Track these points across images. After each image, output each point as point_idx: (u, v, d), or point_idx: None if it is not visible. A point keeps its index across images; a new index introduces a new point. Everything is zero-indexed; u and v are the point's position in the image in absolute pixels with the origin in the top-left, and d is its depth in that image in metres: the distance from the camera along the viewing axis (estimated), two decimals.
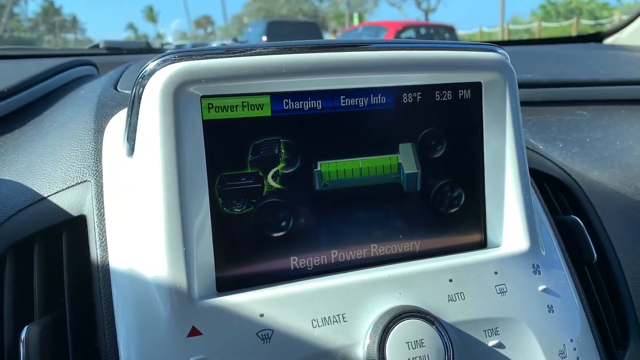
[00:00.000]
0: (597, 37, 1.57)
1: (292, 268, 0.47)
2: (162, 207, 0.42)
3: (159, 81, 0.41)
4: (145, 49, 1.37)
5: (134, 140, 0.45)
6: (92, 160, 0.50)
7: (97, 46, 1.37)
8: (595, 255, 0.59)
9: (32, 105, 0.77)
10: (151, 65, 0.43)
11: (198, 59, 0.42)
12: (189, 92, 0.42)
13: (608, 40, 1.56)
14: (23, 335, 0.43)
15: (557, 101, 0.96)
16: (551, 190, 0.66)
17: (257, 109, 0.45)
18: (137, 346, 0.41)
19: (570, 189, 0.67)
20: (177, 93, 0.42)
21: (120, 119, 0.52)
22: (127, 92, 0.64)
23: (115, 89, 0.66)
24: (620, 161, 0.75)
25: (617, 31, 1.55)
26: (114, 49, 1.33)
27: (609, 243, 0.63)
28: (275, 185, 0.46)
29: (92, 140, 0.52)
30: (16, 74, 0.81)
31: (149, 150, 0.43)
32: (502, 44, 0.53)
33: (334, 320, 0.44)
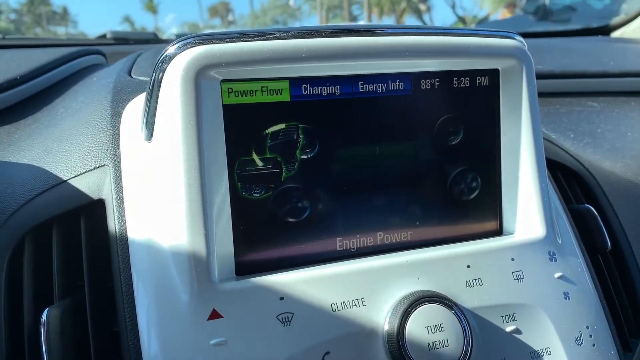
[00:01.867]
0: (605, 30, 1.57)
1: (310, 253, 0.47)
2: (182, 191, 0.42)
3: (179, 65, 0.41)
4: (152, 39, 1.37)
5: (153, 125, 0.45)
6: (110, 145, 0.50)
7: (104, 36, 1.37)
8: (609, 244, 0.59)
9: (43, 92, 0.78)
10: (171, 49, 0.43)
11: (218, 43, 0.42)
12: (210, 76, 0.42)
13: (615, 34, 1.56)
14: (43, 318, 0.43)
15: (566, 92, 0.96)
16: (564, 180, 0.66)
17: (276, 94, 0.45)
18: (158, 329, 0.41)
19: (584, 178, 0.67)
20: (198, 77, 0.42)
21: (137, 104, 0.52)
22: (141, 78, 0.64)
23: (130, 75, 0.66)
24: (632, 152, 0.75)
25: (625, 24, 1.55)
26: (121, 39, 1.33)
27: (623, 232, 0.64)
28: (293, 170, 0.46)
29: (110, 125, 0.52)
30: (27, 63, 0.81)
31: (169, 135, 0.43)
32: None
33: (354, 304, 0.44)
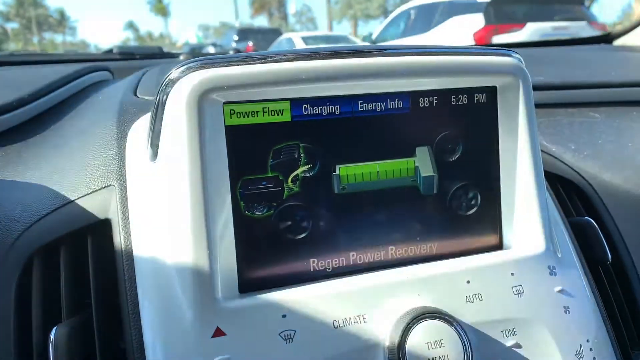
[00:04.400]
0: (607, 39, 1.57)
1: (311, 270, 0.48)
2: (186, 211, 0.43)
3: (183, 89, 0.43)
4: (158, 54, 1.39)
5: (158, 146, 0.46)
6: (116, 165, 0.52)
7: (110, 51, 1.39)
8: (610, 256, 0.60)
9: (51, 110, 0.79)
10: (175, 73, 0.44)
11: (221, 67, 0.43)
12: (212, 99, 0.43)
13: (618, 42, 1.56)
14: (52, 336, 0.44)
15: (568, 103, 0.96)
16: (565, 192, 0.67)
17: (278, 115, 0.46)
18: (163, 346, 0.42)
19: (584, 190, 0.67)
20: (201, 100, 0.43)
21: (142, 124, 0.54)
22: (147, 98, 0.65)
23: (135, 94, 0.67)
24: (633, 163, 0.75)
25: (627, 32, 1.56)
26: (128, 54, 1.35)
27: (623, 244, 0.64)
28: (295, 188, 0.47)
29: (116, 145, 0.54)
30: (35, 80, 0.82)
31: (173, 156, 0.44)
32: (513, 46, 0.54)
33: (355, 321, 0.45)
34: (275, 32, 14.84)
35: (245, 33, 14.25)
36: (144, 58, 1.33)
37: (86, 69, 0.93)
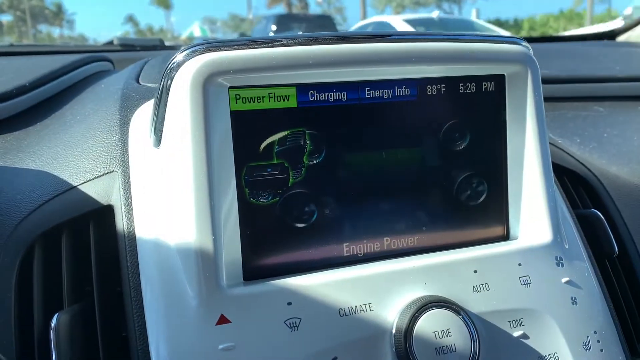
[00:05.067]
0: (611, 35, 1.57)
1: (317, 258, 0.47)
2: (190, 197, 0.42)
3: (188, 72, 0.42)
4: (159, 46, 1.39)
5: (162, 131, 0.45)
6: (119, 151, 0.51)
7: (111, 43, 1.38)
8: (617, 249, 0.59)
9: (52, 99, 0.78)
10: (180, 56, 0.43)
11: (226, 50, 0.43)
12: (218, 83, 0.43)
13: (621, 38, 1.56)
14: (53, 323, 0.43)
15: (573, 97, 0.96)
16: (571, 184, 0.66)
17: (283, 100, 0.45)
18: (166, 334, 0.41)
19: (590, 183, 0.67)
20: (206, 84, 0.42)
21: (145, 110, 0.53)
22: (149, 85, 0.64)
23: (137, 82, 0.66)
24: (638, 156, 0.75)
25: (630, 29, 1.55)
26: (128, 46, 1.34)
27: (630, 237, 0.63)
28: (300, 176, 0.46)
29: (118, 131, 0.53)
30: (35, 70, 0.82)
31: (177, 141, 0.43)
32: None
33: (361, 309, 0.44)
34: (326, 19, 12.45)
35: (285, 21, 11.28)
36: (144, 49, 1.32)
37: (87, 59, 0.92)
